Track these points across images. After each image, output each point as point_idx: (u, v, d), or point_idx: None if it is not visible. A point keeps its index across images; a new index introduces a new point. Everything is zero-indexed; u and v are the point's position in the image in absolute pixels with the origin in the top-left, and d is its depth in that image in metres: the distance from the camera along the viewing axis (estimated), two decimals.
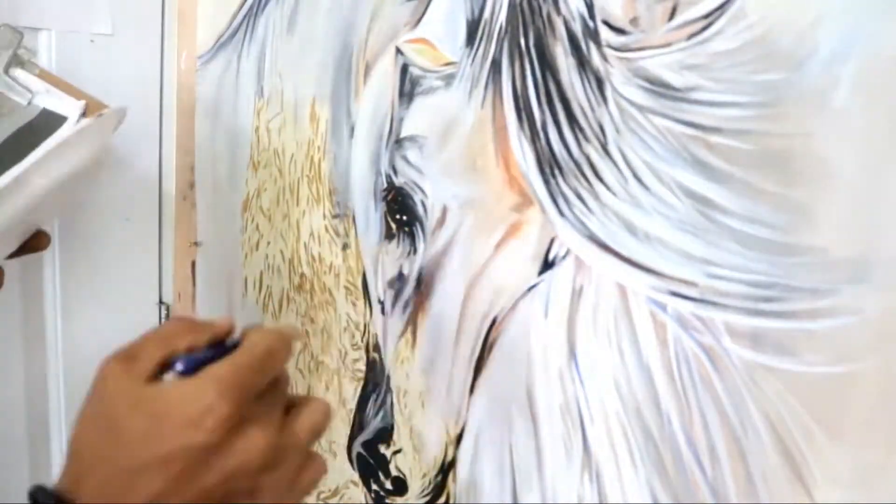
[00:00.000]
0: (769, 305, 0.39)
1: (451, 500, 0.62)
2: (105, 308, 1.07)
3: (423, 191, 0.62)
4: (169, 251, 1.10)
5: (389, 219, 0.66)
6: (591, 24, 0.48)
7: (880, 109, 0.35)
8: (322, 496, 0.77)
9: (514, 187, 0.54)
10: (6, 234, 0.67)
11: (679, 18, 0.43)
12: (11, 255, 0.75)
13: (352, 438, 0.74)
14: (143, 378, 0.36)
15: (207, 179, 1.00)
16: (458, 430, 0.61)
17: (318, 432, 0.38)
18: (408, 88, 0.63)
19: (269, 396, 0.37)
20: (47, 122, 0.73)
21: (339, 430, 0.74)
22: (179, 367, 0.37)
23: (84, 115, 0.73)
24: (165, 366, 0.37)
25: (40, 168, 0.63)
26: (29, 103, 0.74)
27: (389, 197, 0.66)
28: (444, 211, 0.60)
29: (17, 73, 0.74)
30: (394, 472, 0.69)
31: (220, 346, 0.39)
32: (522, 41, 0.52)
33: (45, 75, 0.76)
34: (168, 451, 0.34)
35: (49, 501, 0.34)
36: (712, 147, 0.41)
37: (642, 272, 0.46)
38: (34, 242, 0.73)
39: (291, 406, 0.39)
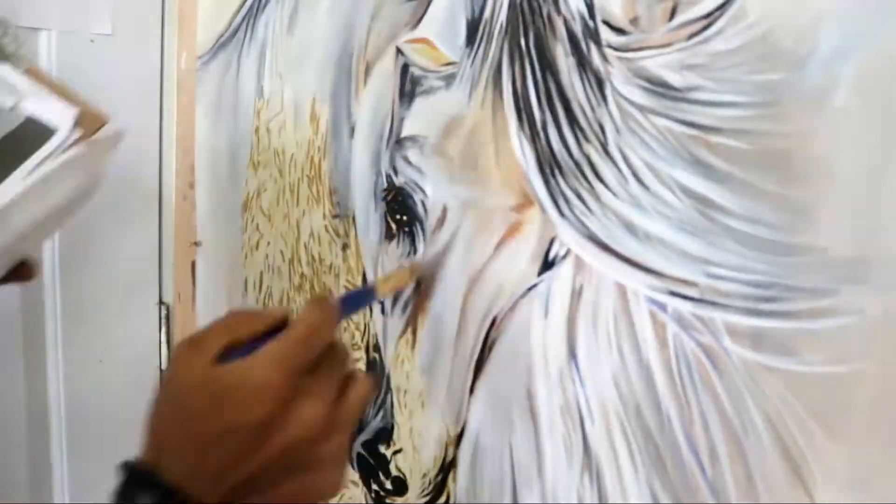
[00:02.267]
0: (769, 305, 0.39)
1: (451, 500, 0.62)
2: (105, 308, 1.07)
3: (423, 191, 0.62)
4: (169, 251, 1.10)
5: (389, 219, 0.66)
6: (591, 24, 0.48)
7: (880, 109, 0.35)
8: None
9: (515, 187, 0.54)
10: None
11: (679, 18, 0.43)
12: None
13: (352, 438, 0.74)
14: (209, 361, 0.39)
15: (207, 179, 1.00)
16: (458, 430, 0.61)
17: (364, 407, 0.41)
18: (408, 88, 0.63)
19: (325, 369, 0.40)
20: (32, 134, 0.61)
21: None
22: (242, 352, 0.39)
23: (77, 125, 0.61)
24: (228, 353, 0.39)
25: (21, 204, 0.54)
26: (13, 107, 0.61)
27: (390, 197, 0.66)
28: (445, 211, 0.60)
29: (3, 69, 0.61)
30: (394, 472, 0.69)
31: (278, 333, 0.41)
32: (523, 41, 0.52)
33: (34, 73, 0.64)
34: (230, 427, 0.37)
35: (137, 472, 0.38)
36: (712, 147, 0.41)
37: (642, 272, 0.46)
38: (19, 273, 0.64)
39: (349, 379, 0.41)
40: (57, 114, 0.61)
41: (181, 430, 0.38)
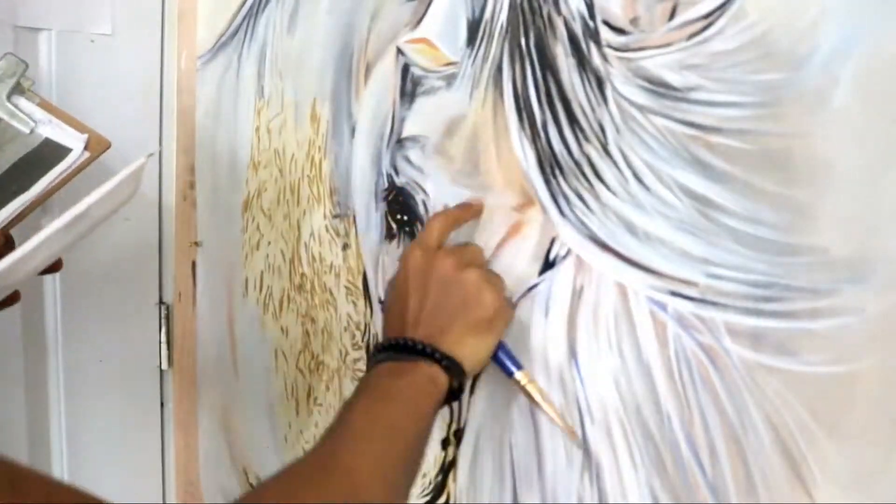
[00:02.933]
0: (769, 305, 0.39)
1: (452, 500, 0.62)
2: (105, 308, 1.07)
3: (424, 191, 0.63)
4: (169, 251, 1.09)
5: (390, 219, 0.66)
6: (591, 24, 0.48)
7: (880, 109, 0.35)
8: None
9: (515, 187, 0.54)
10: None
11: (679, 18, 0.43)
12: None
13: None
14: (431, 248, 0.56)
15: (207, 179, 1.00)
16: (458, 430, 0.61)
17: (480, 255, 0.56)
18: (409, 88, 0.64)
19: (453, 249, 0.56)
20: (51, 153, 0.75)
21: None
22: None
23: (86, 148, 0.75)
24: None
25: (68, 230, 0.62)
26: (31, 132, 0.76)
27: (390, 197, 0.66)
28: None
29: (20, 101, 0.76)
30: None
31: None
32: (523, 41, 0.53)
33: (45, 105, 0.78)
34: (403, 280, 0.55)
35: (382, 343, 0.54)
36: (712, 147, 0.42)
37: (642, 272, 0.46)
38: (52, 267, 0.74)
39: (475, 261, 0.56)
40: (70, 137, 0.76)
41: (393, 301, 0.57)
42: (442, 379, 0.50)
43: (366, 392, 0.50)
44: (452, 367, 0.50)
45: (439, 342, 0.51)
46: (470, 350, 0.51)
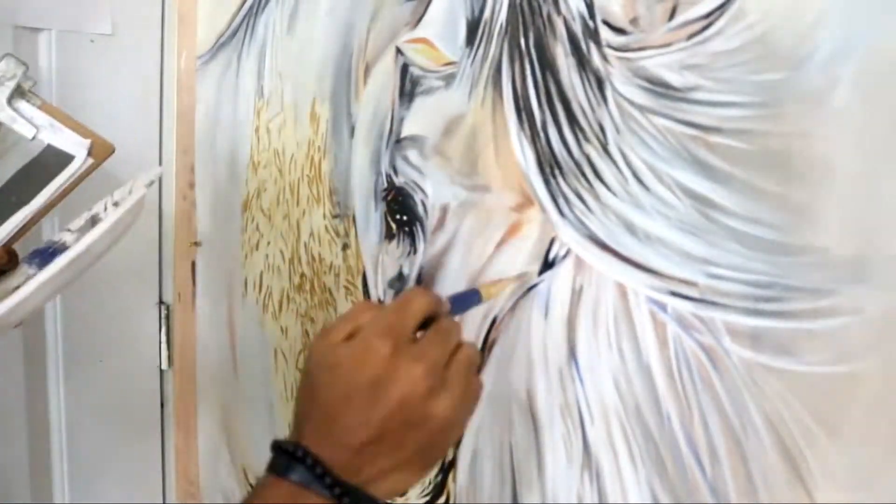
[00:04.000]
0: (769, 305, 0.39)
1: (452, 500, 0.62)
2: (105, 308, 1.07)
3: (423, 191, 0.62)
4: (169, 251, 1.09)
5: (389, 219, 0.66)
6: (591, 24, 0.48)
7: (880, 109, 0.35)
8: None
9: (515, 187, 0.54)
10: None
11: (679, 18, 0.43)
12: None
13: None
14: (332, 343, 0.44)
15: (207, 179, 1.00)
16: None
17: (469, 369, 0.45)
18: (408, 88, 0.63)
19: (430, 337, 0.45)
20: (53, 160, 0.72)
21: None
22: None
23: (90, 154, 0.72)
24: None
25: (88, 254, 0.61)
26: (33, 138, 0.72)
27: (389, 197, 0.66)
28: (445, 211, 0.60)
29: (21, 104, 0.73)
30: None
31: None
32: (522, 41, 0.53)
33: (47, 108, 0.74)
34: (347, 390, 0.42)
35: (284, 446, 0.42)
36: (712, 147, 0.41)
37: (642, 272, 0.46)
38: None
39: (457, 347, 0.46)
40: (72, 143, 0.72)
41: (312, 404, 0.43)
42: None
43: None
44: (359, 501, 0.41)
45: (367, 486, 0.41)
46: (397, 486, 0.43)
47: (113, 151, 0.74)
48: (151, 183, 0.70)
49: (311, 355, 0.45)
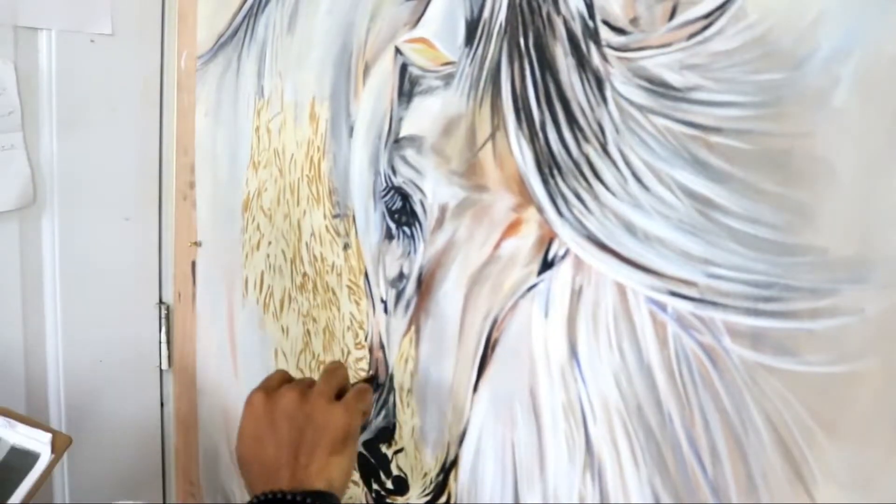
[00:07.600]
0: (769, 305, 0.39)
1: (453, 500, 0.62)
2: (105, 308, 1.07)
3: (422, 190, 0.62)
4: (169, 251, 1.10)
5: (389, 218, 0.66)
6: (590, 23, 0.48)
7: (880, 109, 0.35)
8: None
9: (513, 187, 0.54)
10: None
11: (679, 18, 0.43)
12: None
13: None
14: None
15: (207, 179, 1.00)
16: (460, 429, 0.61)
17: (335, 387, 0.57)
18: (407, 88, 0.63)
19: (295, 382, 0.57)
20: (20, 460, 0.75)
21: None
22: None
23: (52, 449, 0.75)
24: None
25: None
26: None
27: (388, 196, 0.66)
28: (443, 211, 0.60)
29: None
30: (395, 472, 0.69)
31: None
32: (522, 41, 0.52)
33: (3, 410, 0.78)
34: (251, 432, 0.55)
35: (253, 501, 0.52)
36: (712, 147, 0.41)
37: (642, 272, 0.46)
38: None
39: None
40: (34, 441, 0.76)
41: (251, 453, 0.55)
42: None
43: None
44: (324, 499, 0.51)
45: (306, 479, 0.52)
46: (337, 470, 0.53)
47: (71, 443, 0.77)
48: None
49: (246, 409, 0.56)
